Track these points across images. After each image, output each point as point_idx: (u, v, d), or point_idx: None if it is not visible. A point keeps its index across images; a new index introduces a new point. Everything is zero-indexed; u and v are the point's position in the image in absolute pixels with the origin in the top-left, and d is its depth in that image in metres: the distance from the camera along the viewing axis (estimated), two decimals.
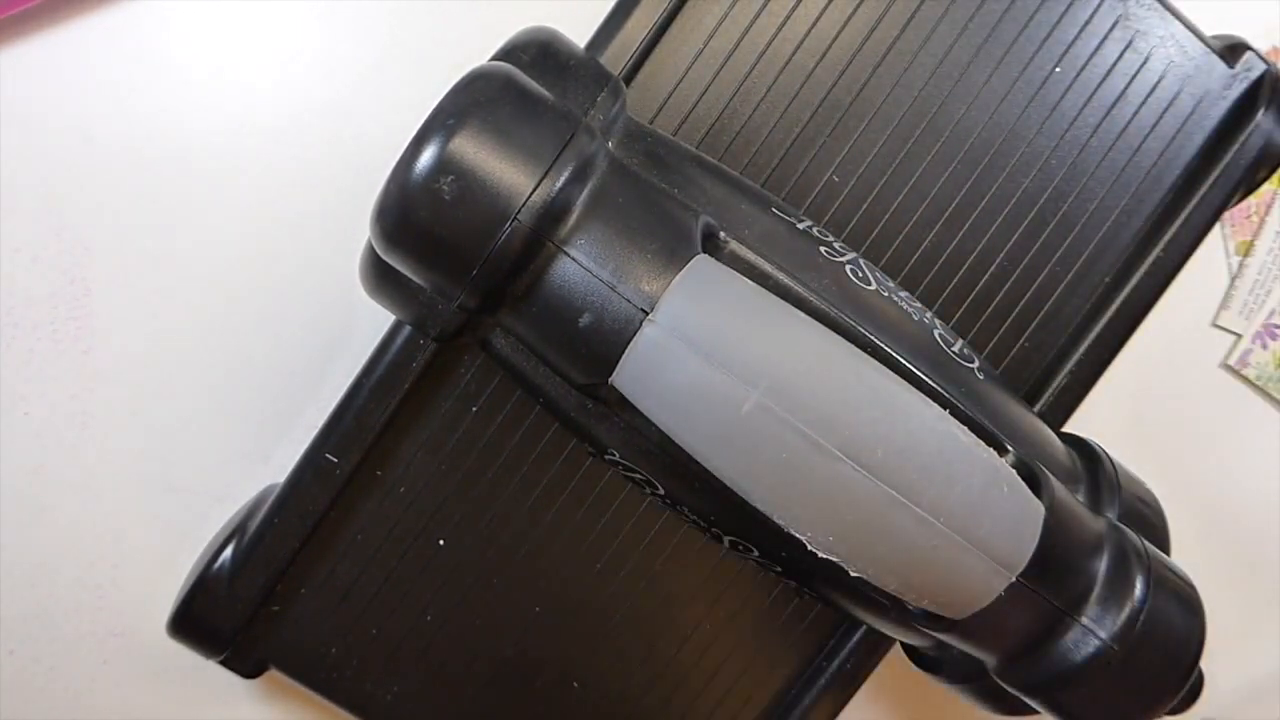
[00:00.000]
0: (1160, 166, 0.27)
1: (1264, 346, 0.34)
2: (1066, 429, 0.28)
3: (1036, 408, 0.28)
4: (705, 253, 0.21)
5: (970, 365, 0.24)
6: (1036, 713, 0.23)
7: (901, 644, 0.27)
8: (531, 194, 0.19)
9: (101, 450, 0.29)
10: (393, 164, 0.20)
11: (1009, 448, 0.23)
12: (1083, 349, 0.28)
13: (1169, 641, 0.22)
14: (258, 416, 0.30)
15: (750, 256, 0.22)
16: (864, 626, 0.29)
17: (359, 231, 0.22)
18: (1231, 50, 0.27)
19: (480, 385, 0.26)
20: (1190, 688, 0.22)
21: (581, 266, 0.20)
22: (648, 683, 0.29)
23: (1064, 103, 0.27)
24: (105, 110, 0.28)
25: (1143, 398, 0.34)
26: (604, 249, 0.20)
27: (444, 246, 0.20)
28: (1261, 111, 0.27)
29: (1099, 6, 0.27)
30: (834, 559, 0.20)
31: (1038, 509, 0.21)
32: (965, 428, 0.21)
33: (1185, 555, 0.25)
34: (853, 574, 0.20)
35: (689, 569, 0.28)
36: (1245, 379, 0.34)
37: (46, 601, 0.30)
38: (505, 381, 0.26)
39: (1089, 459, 0.26)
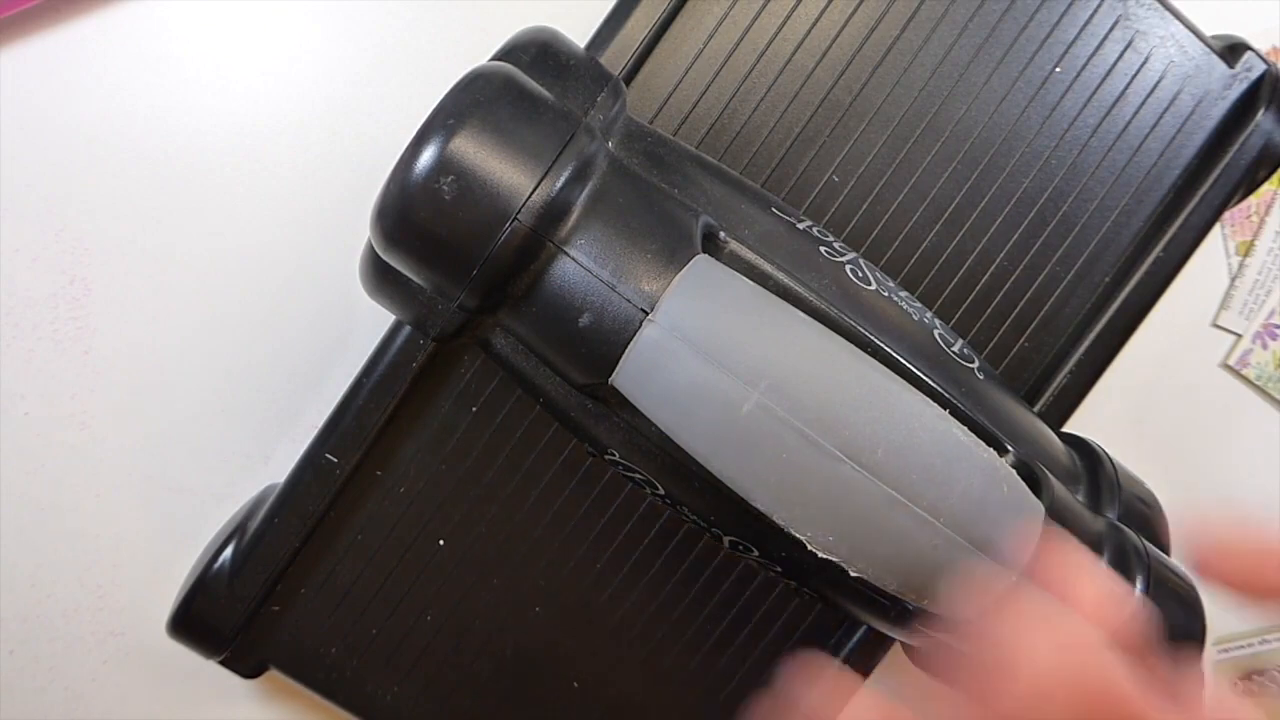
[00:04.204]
0: (1160, 166, 0.27)
1: (1264, 346, 0.34)
2: (1066, 429, 0.28)
3: (1036, 408, 0.28)
4: (705, 253, 0.21)
5: (970, 365, 0.24)
6: None
7: (901, 644, 0.27)
8: (531, 194, 0.19)
9: (101, 450, 0.29)
10: (393, 164, 0.20)
11: (1009, 448, 0.23)
12: (1083, 349, 0.28)
13: (1169, 641, 0.22)
14: (258, 416, 0.30)
15: (750, 256, 0.22)
16: (864, 626, 0.29)
17: (359, 231, 0.22)
18: (1231, 50, 0.27)
19: (480, 385, 0.26)
20: None
21: (581, 266, 0.20)
22: (648, 683, 0.29)
23: (1064, 103, 0.27)
24: (105, 110, 0.28)
25: (1143, 398, 0.34)
26: (604, 249, 0.20)
27: (444, 246, 0.20)
28: (1261, 111, 0.27)
29: (1099, 6, 0.27)
30: (834, 559, 0.20)
31: (1038, 509, 0.21)
32: (965, 428, 0.21)
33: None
34: (853, 574, 0.20)
35: (689, 569, 0.28)
36: (1245, 379, 0.34)
37: (46, 602, 0.30)
38: (505, 381, 0.26)
39: (1089, 459, 0.26)
